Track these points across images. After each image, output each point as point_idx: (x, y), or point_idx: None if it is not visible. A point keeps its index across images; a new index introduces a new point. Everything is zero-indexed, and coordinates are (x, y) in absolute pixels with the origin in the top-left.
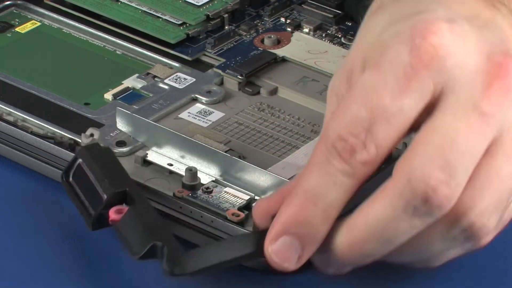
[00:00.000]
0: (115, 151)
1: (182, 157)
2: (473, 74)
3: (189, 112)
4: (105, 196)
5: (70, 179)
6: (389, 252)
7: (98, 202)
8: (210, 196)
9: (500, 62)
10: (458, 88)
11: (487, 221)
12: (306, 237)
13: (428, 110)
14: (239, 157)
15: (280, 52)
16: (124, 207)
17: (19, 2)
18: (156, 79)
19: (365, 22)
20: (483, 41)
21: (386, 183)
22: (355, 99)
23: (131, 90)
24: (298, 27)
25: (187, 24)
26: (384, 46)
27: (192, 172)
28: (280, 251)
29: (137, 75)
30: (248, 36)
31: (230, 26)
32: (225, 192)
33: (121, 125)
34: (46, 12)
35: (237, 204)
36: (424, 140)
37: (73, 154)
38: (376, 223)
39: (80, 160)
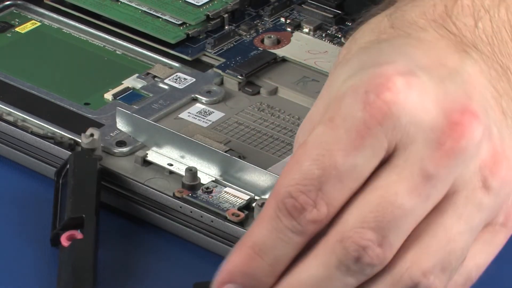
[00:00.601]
0: (115, 151)
1: (182, 157)
2: (428, 132)
3: (189, 112)
4: (64, 218)
5: (60, 180)
6: None
7: (62, 219)
8: (210, 196)
9: (456, 120)
10: (410, 147)
11: (434, 281)
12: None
13: (381, 166)
14: (239, 157)
15: (280, 52)
16: (78, 234)
17: (19, 2)
18: (156, 79)
19: (330, 74)
20: (443, 94)
21: (320, 242)
22: (307, 155)
23: (131, 90)
24: (298, 27)
25: (187, 24)
26: (340, 100)
27: (192, 172)
28: None
29: (137, 75)
30: (248, 36)
31: (230, 26)
32: (225, 192)
33: (121, 125)
34: (46, 12)
35: (237, 204)
36: (362, 199)
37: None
38: (310, 283)
39: (67, 166)
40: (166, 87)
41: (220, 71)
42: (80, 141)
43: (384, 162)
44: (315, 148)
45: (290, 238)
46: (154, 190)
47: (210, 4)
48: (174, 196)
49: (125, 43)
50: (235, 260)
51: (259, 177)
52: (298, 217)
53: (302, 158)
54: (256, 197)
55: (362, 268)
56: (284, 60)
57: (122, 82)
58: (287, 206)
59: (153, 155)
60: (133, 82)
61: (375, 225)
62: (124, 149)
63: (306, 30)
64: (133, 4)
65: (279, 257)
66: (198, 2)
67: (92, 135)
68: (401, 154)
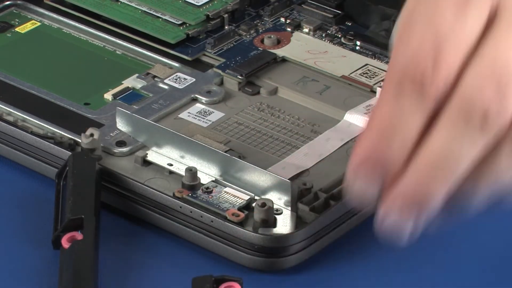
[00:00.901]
0: (115, 151)
1: (182, 157)
2: None
3: (189, 112)
4: (65, 220)
5: (61, 182)
6: (458, 186)
7: (63, 221)
8: (210, 196)
9: None
10: (510, 4)
11: None
12: (383, 170)
13: (485, 30)
14: (239, 157)
15: (280, 52)
16: (78, 235)
17: (19, 2)
18: (156, 79)
19: None
20: None
21: (444, 110)
22: (415, 29)
23: (131, 90)
24: (298, 27)
25: (187, 24)
26: None
27: (192, 172)
28: (360, 186)
29: (137, 75)
30: (248, 36)
31: (230, 26)
32: (225, 192)
33: (121, 125)
34: (46, 12)
35: (237, 204)
36: (476, 61)
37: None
38: (440, 152)
39: (67, 168)
40: (166, 87)
41: (220, 71)
42: (80, 141)
43: (489, 24)
44: (421, 20)
45: (415, 111)
46: (154, 190)
47: (210, 4)
48: (174, 196)
49: (125, 43)
50: (365, 145)
51: (259, 177)
52: (420, 88)
53: (410, 33)
54: (256, 197)
55: (489, 126)
56: (284, 60)
57: (122, 82)
58: (406, 80)
59: (153, 155)
60: (133, 82)
61: (494, 84)
62: (124, 149)
63: (306, 30)
64: (133, 4)
65: (407, 133)
66: (198, 2)
67: (92, 135)
68: (504, 13)
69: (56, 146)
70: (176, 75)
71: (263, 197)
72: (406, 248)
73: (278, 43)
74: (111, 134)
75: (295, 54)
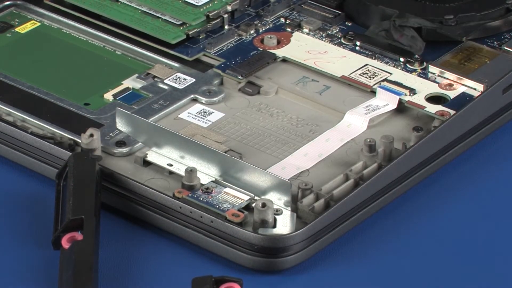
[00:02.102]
0: (114, 151)
1: (182, 157)
2: None
3: (189, 112)
4: (65, 220)
5: (62, 182)
6: None
7: (63, 221)
8: (210, 197)
9: None
10: None
11: None
12: None
13: None
14: (239, 157)
15: (280, 52)
16: (78, 235)
17: (19, 2)
18: (156, 79)
19: None
20: None
21: None
22: None
23: (131, 90)
24: (298, 27)
25: (187, 24)
26: None
27: (192, 172)
28: None
29: (137, 75)
30: (248, 36)
31: (230, 26)
32: (225, 192)
33: (121, 125)
34: (46, 12)
35: (237, 204)
36: None
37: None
38: None
39: (67, 169)
40: (166, 87)
41: (220, 71)
42: (80, 141)
43: None
44: None
45: None
46: (154, 191)
47: (210, 4)
48: (174, 197)
49: (125, 43)
50: None
51: (259, 177)
52: None
53: None
54: (256, 198)
55: None
56: (284, 60)
57: (122, 82)
58: None
59: (153, 156)
60: (133, 82)
61: None
62: (124, 150)
63: (306, 30)
64: (133, 4)
65: None
66: (198, 2)
67: (92, 135)
68: None
69: (56, 147)
70: (176, 75)
71: (263, 197)
72: (405, 249)
73: (278, 43)
74: (111, 134)
75: (295, 54)
